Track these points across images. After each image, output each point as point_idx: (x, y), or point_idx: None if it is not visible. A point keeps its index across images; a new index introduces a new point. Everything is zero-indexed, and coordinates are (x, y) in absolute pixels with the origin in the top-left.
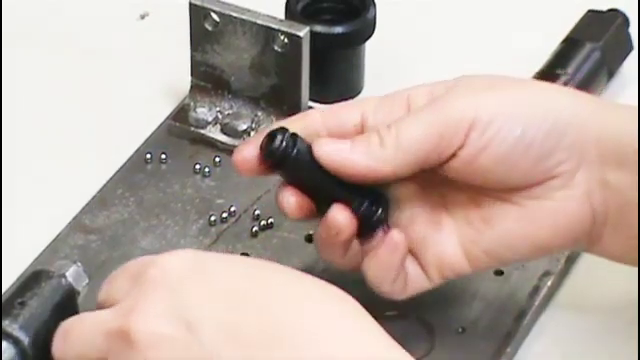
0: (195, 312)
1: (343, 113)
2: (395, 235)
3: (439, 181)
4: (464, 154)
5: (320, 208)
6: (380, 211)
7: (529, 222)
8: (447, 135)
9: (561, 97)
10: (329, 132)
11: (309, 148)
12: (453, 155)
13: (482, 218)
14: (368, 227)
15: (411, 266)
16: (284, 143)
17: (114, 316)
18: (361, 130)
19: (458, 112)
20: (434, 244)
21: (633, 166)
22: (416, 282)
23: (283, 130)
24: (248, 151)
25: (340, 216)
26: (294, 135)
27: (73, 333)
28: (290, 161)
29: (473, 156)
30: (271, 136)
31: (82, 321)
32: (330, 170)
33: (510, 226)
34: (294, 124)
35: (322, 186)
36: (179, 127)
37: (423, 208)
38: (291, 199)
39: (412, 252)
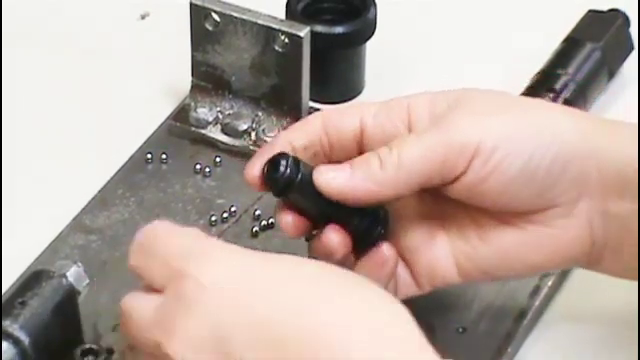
0: (235, 345)
1: (343, 119)
2: (385, 250)
3: (438, 195)
4: (466, 180)
5: (318, 226)
6: (380, 228)
7: (527, 245)
8: (450, 160)
9: (566, 124)
10: (329, 138)
11: (311, 173)
12: (455, 179)
13: (479, 236)
14: (368, 243)
15: (402, 272)
16: (288, 170)
17: (155, 326)
18: (360, 137)
19: (462, 137)
20: (427, 255)
21: (634, 196)
22: (406, 288)
23: (285, 156)
24: (257, 169)
25: (335, 238)
26: (296, 160)
27: (131, 318)
28: (293, 188)
29: (475, 183)
30: (273, 163)
31: (134, 310)
32: (331, 198)
33: (507, 247)
34: (295, 133)
35: (322, 209)
36: (180, 127)
37: (420, 220)
38: (289, 219)
39: (404, 259)
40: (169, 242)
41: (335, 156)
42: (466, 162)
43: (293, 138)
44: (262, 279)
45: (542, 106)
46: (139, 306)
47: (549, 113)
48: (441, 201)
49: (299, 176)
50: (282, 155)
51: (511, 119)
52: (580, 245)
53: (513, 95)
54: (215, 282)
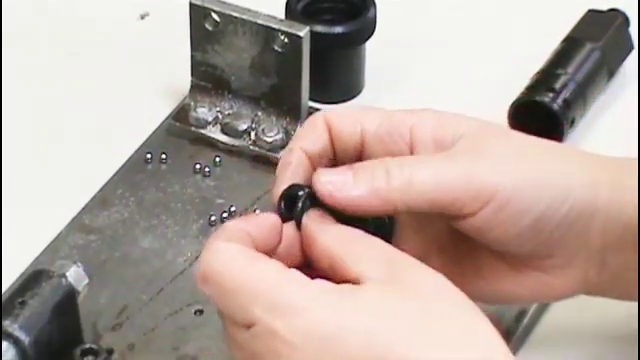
0: None
1: (343, 126)
2: None
3: (439, 227)
4: (473, 222)
5: None
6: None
7: (522, 287)
8: (462, 200)
9: (579, 179)
10: (331, 142)
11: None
12: (461, 217)
13: (474, 269)
14: None
15: None
16: (304, 204)
17: None
18: (360, 146)
19: (480, 182)
20: None
21: (632, 249)
22: None
23: (299, 188)
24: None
25: None
26: (309, 190)
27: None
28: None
29: (482, 229)
30: (286, 199)
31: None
32: (331, 206)
33: (502, 286)
34: (306, 140)
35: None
36: (179, 127)
37: (415, 238)
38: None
39: None
40: (247, 283)
41: (337, 159)
42: (478, 207)
43: (306, 147)
44: (355, 329)
45: (558, 154)
46: (228, 337)
47: (565, 165)
48: (441, 228)
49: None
50: (294, 190)
51: (527, 169)
52: (571, 291)
53: (525, 135)
54: (305, 339)
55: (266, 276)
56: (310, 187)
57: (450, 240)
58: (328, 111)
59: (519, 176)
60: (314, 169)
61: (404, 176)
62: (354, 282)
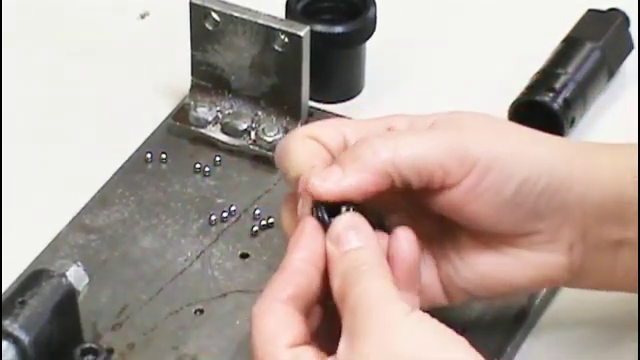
0: None
1: (325, 136)
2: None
3: (421, 214)
4: (456, 194)
5: None
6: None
7: (508, 268)
8: (447, 165)
9: (557, 154)
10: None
11: None
12: (445, 188)
13: (459, 257)
14: None
15: None
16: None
17: None
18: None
19: (463, 148)
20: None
21: (613, 224)
22: None
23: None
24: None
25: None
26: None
27: None
28: None
29: (464, 200)
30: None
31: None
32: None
33: (487, 269)
34: (298, 157)
35: None
36: (179, 126)
37: None
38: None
39: None
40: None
41: None
42: (461, 175)
43: (298, 158)
44: None
45: (535, 134)
46: None
47: (543, 142)
48: (424, 221)
49: None
50: (344, 207)
51: (507, 142)
52: (561, 268)
53: (499, 118)
54: None
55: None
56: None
57: (433, 237)
58: (305, 128)
59: (499, 147)
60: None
61: (389, 147)
62: None
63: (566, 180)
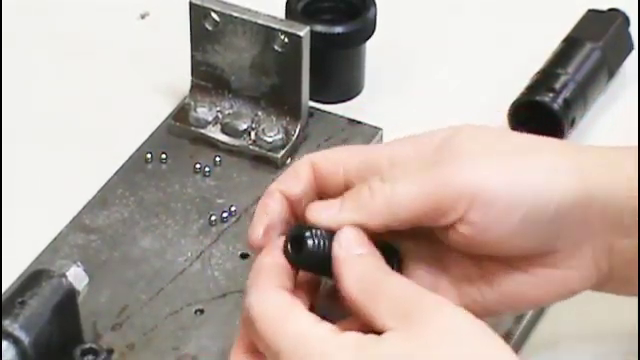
0: None
1: (327, 173)
2: None
3: (438, 241)
4: (463, 229)
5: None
6: (394, 266)
7: (533, 287)
8: (444, 207)
9: (565, 169)
10: (318, 187)
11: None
12: (450, 226)
13: (484, 280)
14: None
15: None
16: (317, 245)
17: None
18: (344, 186)
19: (458, 185)
20: None
21: (635, 233)
22: None
23: (310, 230)
24: (258, 233)
25: None
26: (320, 232)
27: None
28: (319, 259)
29: (473, 234)
30: (297, 241)
31: None
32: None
33: (514, 289)
34: (282, 184)
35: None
36: (179, 127)
37: (422, 265)
38: None
39: None
40: (283, 336)
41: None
42: (461, 211)
43: (285, 189)
44: None
45: (540, 147)
46: None
47: (549, 157)
48: (442, 247)
49: (326, 249)
50: (305, 232)
51: (510, 165)
52: (587, 281)
53: (506, 132)
54: None
55: (297, 327)
56: (313, 228)
57: (454, 261)
58: (314, 154)
59: (500, 179)
60: (293, 212)
61: (385, 189)
62: (379, 331)
63: (581, 194)
